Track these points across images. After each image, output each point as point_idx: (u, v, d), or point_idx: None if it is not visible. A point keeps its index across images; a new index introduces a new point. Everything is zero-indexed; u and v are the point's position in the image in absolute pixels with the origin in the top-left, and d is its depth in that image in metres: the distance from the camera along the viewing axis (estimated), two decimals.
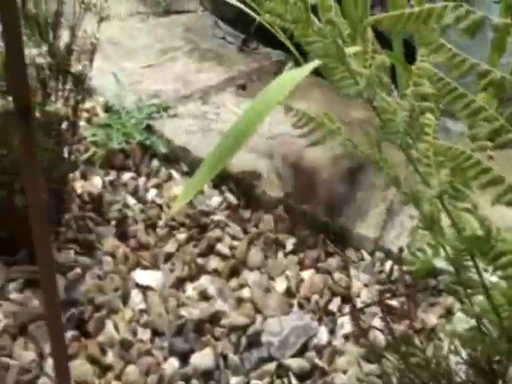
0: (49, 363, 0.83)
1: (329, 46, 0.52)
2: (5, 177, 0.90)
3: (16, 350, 0.84)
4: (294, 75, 1.10)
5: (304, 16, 0.51)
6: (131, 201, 1.12)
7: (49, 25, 0.96)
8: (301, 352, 0.89)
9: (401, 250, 0.83)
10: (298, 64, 1.48)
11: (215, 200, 1.12)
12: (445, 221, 0.59)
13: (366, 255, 1.04)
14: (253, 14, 1.42)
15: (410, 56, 1.43)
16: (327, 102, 1.34)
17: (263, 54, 1.49)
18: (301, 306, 0.96)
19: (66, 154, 0.98)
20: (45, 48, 0.91)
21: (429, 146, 0.51)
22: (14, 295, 0.90)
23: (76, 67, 0.90)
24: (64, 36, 0.95)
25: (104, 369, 0.85)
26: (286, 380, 0.86)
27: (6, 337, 0.86)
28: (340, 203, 1.09)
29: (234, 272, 1.02)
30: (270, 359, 0.88)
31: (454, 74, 0.47)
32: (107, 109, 1.28)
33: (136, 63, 1.41)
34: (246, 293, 0.98)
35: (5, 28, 0.49)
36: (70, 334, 0.86)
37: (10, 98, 0.85)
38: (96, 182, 1.13)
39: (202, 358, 0.88)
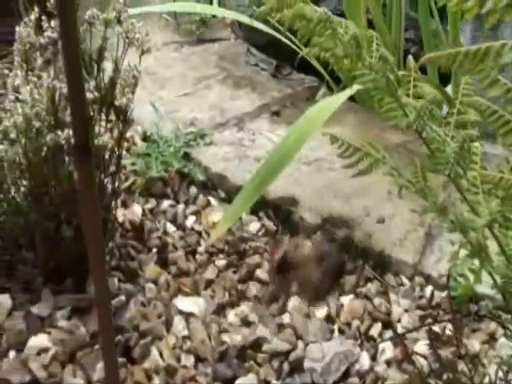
0: None
1: (379, 80, 0.54)
2: (53, 208, 0.93)
3: (66, 378, 0.87)
4: (332, 101, 1.13)
5: (355, 52, 0.53)
6: (171, 228, 1.15)
7: (93, 60, 1.00)
8: (343, 378, 0.89)
9: (448, 276, 0.83)
10: (330, 89, 1.51)
11: (253, 226, 1.13)
12: (491, 247, 0.60)
13: (405, 280, 1.04)
14: (286, 41, 1.46)
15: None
16: (361, 127, 1.36)
17: (296, 79, 1.52)
18: (341, 332, 0.97)
19: (109, 184, 1.01)
20: (91, 83, 0.94)
21: (478, 175, 0.52)
22: (61, 323, 0.93)
23: (120, 100, 0.93)
24: (107, 69, 1.00)
25: None
26: None
27: (55, 364, 0.88)
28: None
29: (274, 298, 1.03)
30: None
31: (510, 108, 0.48)
32: (145, 138, 1.32)
33: (172, 92, 1.45)
34: (286, 319, 0.99)
35: (68, 68, 0.52)
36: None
37: (59, 133, 0.89)
38: (136, 210, 1.16)
39: None
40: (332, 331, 0.96)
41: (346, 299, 1.01)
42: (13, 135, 0.89)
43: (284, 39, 1.46)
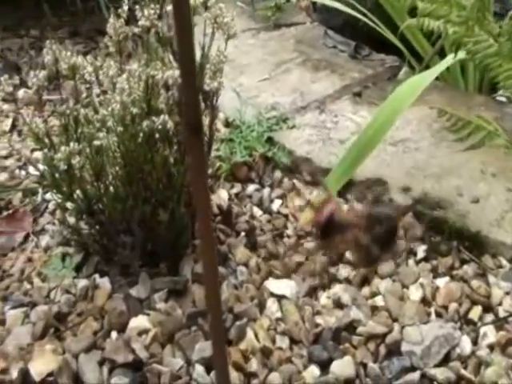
0: (197, 370, 0.86)
1: (503, 45, 0.50)
2: (148, 193, 0.94)
3: (166, 358, 0.88)
4: (421, 79, 1.09)
5: (477, 15, 0.49)
6: (257, 212, 1.14)
7: None
8: (444, 362, 0.86)
9: None
10: (412, 68, 1.45)
11: None
12: None
13: (504, 262, 0.99)
14: (364, 19, 1.42)
15: None
16: (448, 105, 1.30)
17: (376, 60, 1.47)
18: (438, 315, 0.93)
19: None
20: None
21: None
22: (159, 305, 0.94)
23: (210, 84, 0.93)
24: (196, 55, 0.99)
25: (248, 376, 0.87)
26: None
27: (155, 345, 0.89)
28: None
29: (365, 280, 1.00)
30: (413, 369, 0.86)
31: None
32: (227, 124, 1.32)
33: (252, 78, 1.44)
34: (379, 301, 0.96)
35: (181, 51, 0.51)
36: None
37: (154, 119, 0.90)
38: (223, 195, 1.16)
39: (342, 367, 0.87)
40: (429, 314, 0.93)
41: (441, 281, 0.97)
42: (110, 123, 0.91)
43: (362, 17, 1.42)
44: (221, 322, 0.64)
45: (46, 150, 0.92)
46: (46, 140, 0.93)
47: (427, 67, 1.31)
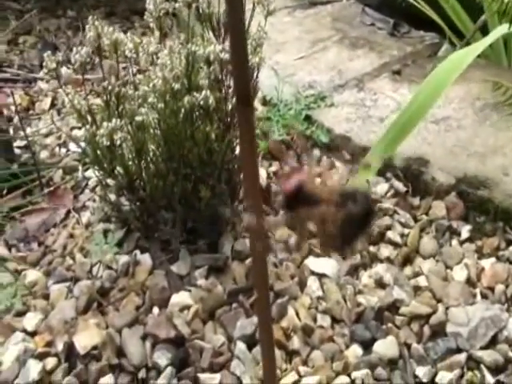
0: (239, 347, 0.84)
1: None
2: (189, 170, 0.92)
3: (207, 334, 0.86)
4: (463, 55, 1.03)
5: None
6: None
7: (221, 22, 0.97)
8: (491, 344, 0.82)
9: None
10: (453, 45, 1.39)
11: (381, 188, 1.07)
12: None
13: None
14: None
15: None
16: (488, 83, 1.24)
17: (416, 37, 1.42)
18: (484, 296, 0.89)
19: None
20: (219, 46, 0.91)
21: None
22: (200, 281, 0.93)
23: (252, 59, 0.90)
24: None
25: (290, 353, 0.84)
26: (477, 372, 0.79)
27: (197, 321, 0.88)
28: None
29: (407, 260, 0.97)
30: (458, 350, 0.82)
31: None
32: (265, 102, 1.28)
33: (288, 56, 1.39)
34: (422, 281, 0.92)
35: (231, 24, 0.49)
36: (255, 319, 0.87)
37: (196, 94, 0.87)
38: (261, 174, 1.13)
39: (386, 347, 0.84)
40: (474, 295, 0.89)
41: (486, 262, 0.93)
42: (151, 99, 0.88)
43: None
44: (268, 300, 0.61)
45: (88, 127, 0.90)
46: (88, 117, 0.91)
47: (468, 44, 1.25)
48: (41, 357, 0.84)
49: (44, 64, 0.87)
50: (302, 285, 0.93)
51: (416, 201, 1.04)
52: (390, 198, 1.06)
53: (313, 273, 0.95)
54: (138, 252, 0.97)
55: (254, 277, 0.60)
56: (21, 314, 0.91)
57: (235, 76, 0.51)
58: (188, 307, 0.89)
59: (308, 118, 1.21)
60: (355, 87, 1.27)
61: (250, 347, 0.85)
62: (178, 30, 1.01)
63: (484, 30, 1.31)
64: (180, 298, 0.90)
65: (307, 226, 0.48)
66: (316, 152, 1.17)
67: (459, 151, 1.08)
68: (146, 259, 0.97)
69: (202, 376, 0.81)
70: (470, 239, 0.97)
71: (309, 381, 0.81)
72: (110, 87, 0.88)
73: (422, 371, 0.81)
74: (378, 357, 0.83)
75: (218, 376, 0.82)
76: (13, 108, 1.38)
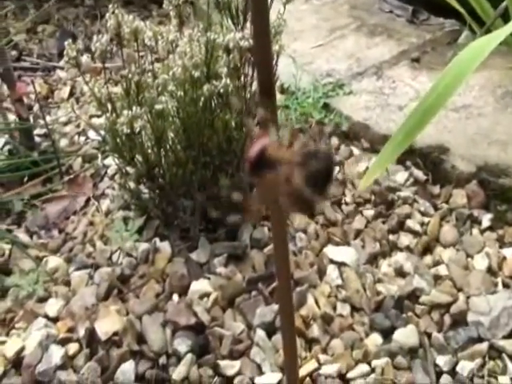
0: (258, 334, 0.84)
1: None
2: (208, 158, 0.91)
3: (227, 322, 0.86)
4: (485, 42, 1.00)
5: None
6: None
7: (240, 10, 0.95)
8: None
9: None
10: (473, 32, 1.36)
11: (401, 176, 1.05)
12: None
13: None
14: None
15: None
16: (510, 71, 1.21)
17: (435, 24, 1.39)
18: (506, 286, 0.87)
19: None
20: (239, 34, 0.90)
21: None
22: (219, 269, 0.92)
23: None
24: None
25: (310, 341, 0.84)
26: (499, 362, 0.78)
27: (216, 308, 0.87)
28: None
29: (427, 249, 0.95)
30: (480, 339, 0.81)
31: None
32: (282, 90, 1.27)
33: (306, 44, 1.37)
34: (442, 270, 0.91)
35: (254, 11, 0.48)
36: (274, 307, 0.86)
37: (215, 82, 0.86)
38: None
39: (406, 336, 0.83)
40: (495, 284, 0.87)
41: (508, 251, 0.91)
42: (171, 87, 0.87)
43: None
44: (289, 288, 0.60)
45: (108, 115, 0.89)
46: (108, 105, 0.90)
47: (489, 31, 1.22)
48: (63, 342, 0.84)
49: (65, 52, 0.87)
50: (321, 273, 0.92)
51: (436, 189, 1.03)
52: (409, 186, 1.04)
53: (332, 261, 0.94)
54: (157, 240, 0.97)
55: (275, 261, 0.59)
56: (43, 299, 0.91)
57: (257, 63, 0.50)
58: (207, 295, 0.88)
59: (326, 106, 1.19)
60: (374, 75, 1.25)
61: (269, 335, 0.84)
62: (195, 19, 1.00)
63: (505, 17, 1.27)
64: (200, 285, 0.90)
65: (271, 189, 0.47)
66: (334, 140, 1.15)
67: (480, 139, 1.05)
68: (165, 247, 0.96)
69: (222, 363, 0.81)
70: (491, 228, 0.95)
71: (328, 369, 0.80)
72: (130, 75, 0.87)
73: (442, 360, 0.80)
74: (398, 345, 0.82)
75: (237, 363, 0.81)
76: (32, 96, 1.38)
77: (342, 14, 1.47)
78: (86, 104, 1.37)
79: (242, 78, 0.90)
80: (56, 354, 0.82)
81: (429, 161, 1.05)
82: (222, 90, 0.84)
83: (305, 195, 0.43)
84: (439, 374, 0.80)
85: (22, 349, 0.84)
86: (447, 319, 0.84)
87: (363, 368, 0.80)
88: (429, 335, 0.83)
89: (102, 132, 0.95)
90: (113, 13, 0.87)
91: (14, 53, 1.57)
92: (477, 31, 1.35)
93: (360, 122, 1.14)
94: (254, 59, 0.52)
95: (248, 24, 0.95)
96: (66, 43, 0.87)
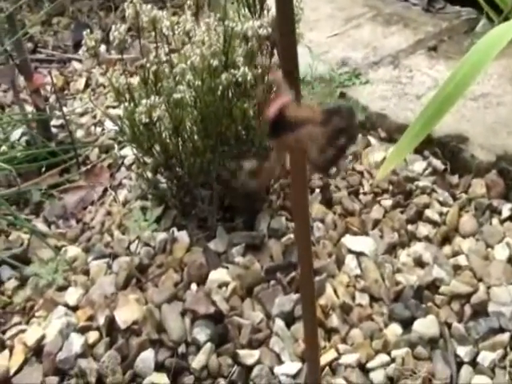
0: (277, 323, 0.83)
1: None
2: (227, 147, 0.90)
3: (245, 311, 0.85)
4: (504, 31, 0.98)
5: None
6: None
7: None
8: None
9: None
10: (491, 21, 1.33)
11: (419, 165, 1.04)
12: None
13: None
14: None
15: None
16: None
17: (451, 12, 1.36)
18: None
19: None
20: (257, 22, 0.88)
21: None
22: (237, 259, 0.91)
23: None
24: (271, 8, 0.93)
25: (329, 331, 0.83)
26: None
27: (235, 297, 0.87)
28: None
29: (446, 239, 0.94)
30: (501, 330, 0.79)
31: None
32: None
33: (321, 34, 1.36)
34: (462, 260, 0.89)
35: (279, 5, 0.47)
36: (293, 296, 0.85)
37: (233, 71, 0.85)
38: None
39: (426, 326, 0.82)
40: None
41: None
42: (189, 77, 0.86)
43: None
44: (311, 275, 0.59)
45: (126, 104, 0.88)
46: (126, 95, 0.89)
47: (506, 19, 1.19)
48: (83, 331, 0.84)
49: (83, 42, 0.86)
50: (340, 263, 0.91)
51: (455, 179, 1.01)
52: (427, 176, 1.02)
53: (350, 251, 0.92)
54: (175, 229, 0.96)
55: (298, 248, 0.58)
56: (62, 288, 0.91)
57: (281, 47, 0.49)
58: (226, 284, 0.88)
59: (343, 96, 1.18)
60: (390, 64, 1.23)
61: (288, 324, 0.83)
62: (209, 9, 0.99)
63: None
64: (218, 274, 0.89)
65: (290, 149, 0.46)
66: None
67: (499, 128, 1.03)
68: (183, 236, 0.96)
69: (241, 352, 0.80)
70: (511, 218, 0.94)
71: (348, 358, 0.79)
72: (148, 65, 0.87)
73: (463, 351, 0.79)
74: (418, 336, 0.81)
75: (257, 352, 0.81)
76: (48, 88, 1.37)
77: (357, 3, 1.45)
78: (101, 95, 1.37)
79: (261, 67, 0.89)
80: (76, 342, 0.82)
81: (447, 150, 1.03)
82: (240, 79, 0.83)
83: (328, 154, 0.42)
84: (460, 364, 0.78)
85: (43, 337, 0.84)
86: (467, 309, 0.83)
87: (383, 358, 0.79)
88: (449, 325, 0.82)
89: (119, 122, 0.94)
90: (131, 2, 0.86)
91: (29, 45, 1.57)
92: (494, 19, 1.33)
93: (377, 112, 1.13)
94: (278, 51, 0.50)
95: (265, 12, 0.93)
96: (84, 33, 0.87)
